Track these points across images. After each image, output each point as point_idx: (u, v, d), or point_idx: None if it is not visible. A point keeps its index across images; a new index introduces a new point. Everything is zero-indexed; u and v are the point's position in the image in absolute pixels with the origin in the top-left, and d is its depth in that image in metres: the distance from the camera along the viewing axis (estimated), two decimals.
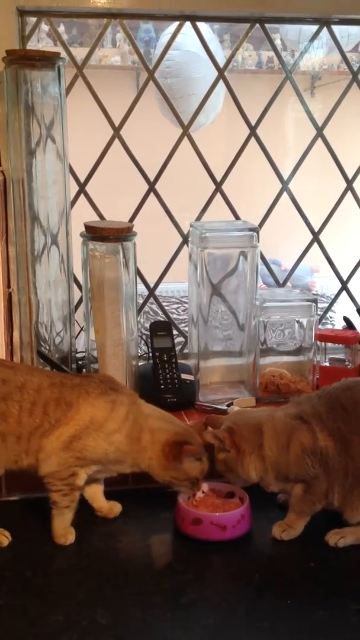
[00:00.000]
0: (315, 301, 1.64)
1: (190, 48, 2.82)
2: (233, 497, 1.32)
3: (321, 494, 1.24)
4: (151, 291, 1.84)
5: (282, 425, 1.27)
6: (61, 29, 3.92)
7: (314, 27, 1.73)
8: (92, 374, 1.33)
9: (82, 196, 1.73)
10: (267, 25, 1.70)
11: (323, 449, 1.23)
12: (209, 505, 1.30)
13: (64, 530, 1.25)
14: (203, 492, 1.32)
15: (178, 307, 3.84)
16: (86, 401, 1.24)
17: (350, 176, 1.84)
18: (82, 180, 1.73)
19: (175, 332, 1.71)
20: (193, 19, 1.67)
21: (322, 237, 1.86)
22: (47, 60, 1.46)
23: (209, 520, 1.25)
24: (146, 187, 1.76)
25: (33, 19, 1.62)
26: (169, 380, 1.57)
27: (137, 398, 1.30)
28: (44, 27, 1.65)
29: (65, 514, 1.25)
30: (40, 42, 3.81)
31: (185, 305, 3.75)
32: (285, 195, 1.83)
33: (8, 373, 1.25)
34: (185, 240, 1.77)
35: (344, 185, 1.84)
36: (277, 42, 3.67)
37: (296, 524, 1.27)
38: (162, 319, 1.94)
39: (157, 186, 1.76)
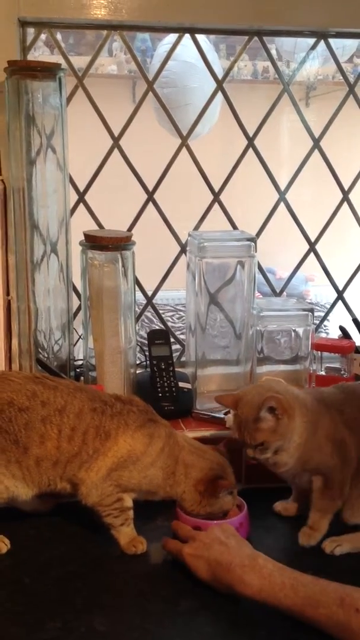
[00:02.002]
0: (311, 311, 1.65)
1: (186, 58, 2.85)
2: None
3: (340, 489, 1.24)
4: (149, 300, 1.85)
5: (313, 405, 1.26)
6: (57, 37, 3.94)
7: (310, 39, 1.76)
8: (132, 399, 1.29)
9: (81, 205, 1.75)
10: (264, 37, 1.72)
11: (343, 437, 1.24)
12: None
13: (130, 542, 1.24)
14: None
15: (173, 315, 3.85)
16: (125, 433, 1.22)
17: (346, 187, 1.86)
18: (81, 189, 1.74)
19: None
20: (192, 31, 1.69)
21: (318, 245, 1.88)
22: (48, 71, 1.48)
23: (207, 528, 1.25)
24: (144, 196, 1.78)
25: (33, 29, 1.64)
26: (166, 389, 1.58)
27: (172, 429, 1.29)
28: (41, 35, 1.66)
29: (123, 530, 1.24)
30: (37, 51, 3.84)
31: (180, 313, 3.77)
32: (281, 204, 1.85)
33: (49, 395, 1.23)
34: (183, 249, 1.79)
35: (338, 193, 1.86)
36: (273, 52, 3.71)
37: (320, 524, 1.26)
38: (157, 327, 1.95)
39: (156, 195, 1.78)
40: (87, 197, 1.75)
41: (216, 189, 1.80)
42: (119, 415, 1.24)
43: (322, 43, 1.75)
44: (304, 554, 1.26)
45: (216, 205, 1.82)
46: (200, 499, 1.25)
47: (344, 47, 3.42)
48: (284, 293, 2.01)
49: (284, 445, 1.23)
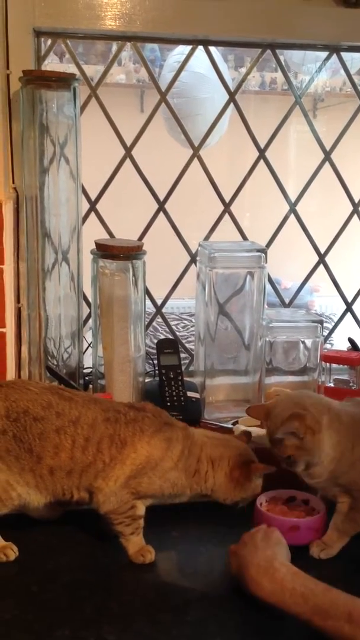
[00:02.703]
0: (321, 322, 1.66)
1: (197, 69, 2.86)
2: (295, 501, 1.36)
3: None
4: (158, 309, 1.86)
5: (349, 419, 1.24)
6: (68, 46, 3.96)
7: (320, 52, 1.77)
8: (145, 405, 1.30)
9: (92, 214, 1.76)
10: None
11: None
12: (278, 512, 1.33)
13: (138, 551, 1.25)
14: (266, 501, 1.36)
15: (178, 324, 3.85)
16: (142, 440, 1.22)
17: (356, 199, 1.87)
18: (92, 198, 1.75)
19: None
20: (205, 43, 1.70)
21: (326, 257, 1.89)
22: (63, 81, 1.49)
23: (305, 526, 1.29)
24: (155, 205, 1.79)
25: (48, 39, 1.65)
26: (174, 398, 1.58)
27: (189, 430, 1.29)
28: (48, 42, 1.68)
29: (132, 539, 1.25)
30: (47, 59, 3.86)
31: (185, 322, 3.77)
32: (293, 215, 1.85)
33: (64, 406, 1.23)
34: (193, 259, 1.79)
35: (346, 205, 1.87)
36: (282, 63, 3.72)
37: (336, 543, 1.27)
38: (163, 336, 1.95)
39: (167, 205, 1.79)
40: (98, 206, 1.76)
41: (228, 199, 1.81)
42: (134, 422, 1.24)
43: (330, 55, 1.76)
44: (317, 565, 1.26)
45: (226, 215, 1.82)
46: (235, 485, 1.26)
47: (352, 59, 3.42)
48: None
49: (314, 459, 1.23)
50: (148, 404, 1.31)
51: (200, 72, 2.90)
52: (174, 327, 3.80)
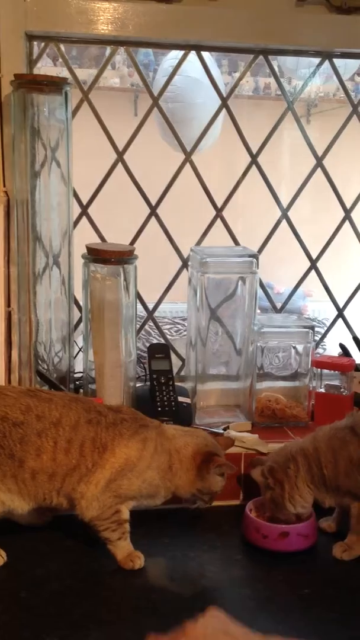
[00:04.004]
0: (312, 328, 1.66)
1: (191, 73, 2.86)
2: None
3: None
4: (150, 314, 1.85)
5: (327, 440, 1.31)
6: (60, 50, 3.96)
7: (314, 58, 1.77)
8: (120, 407, 1.33)
9: (84, 218, 1.75)
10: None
11: None
12: (268, 519, 1.34)
13: (127, 557, 1.24)
14: (255, 507, 1.38)
15: (171, 328, 3.85)
16: (120, 444, 1.23)
17: (348, 205, 1.87)
18: (84, 202, 1.75)
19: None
20: (198, 48, 1.70)
21: (318, 263, 1.89)
22: (54, 85, 1.49)
23: (295, 532, 1.30)
24: (147, 210, 1.78)
25: (41, 43, 1.65)
26: (166, 403, 1.57)
27: (162, 427, 1.30)
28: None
29: (119, 545, 1.25)
30: (40, 62, 3.86)
31: (179, 326, 3.77)
32: (285, 221, 1.85)
33: (43, 408, 1.23)
34: (185, 264, 1.79)
35: (337, 210, 1.87)
36: (275, 69, 3.73)
37: (357, 545, 1.29)
38: (156, 340, 1.95)
39: (158, 209, 1.78)
40: (90, 211, 1.76)
41: (220, 205, 1.81)
42: (113, 425, 1.25)
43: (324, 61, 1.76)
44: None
45: (218, 220, 1.82)
46: (195, 473, 1.26)
47: (345, 65, 3.44)
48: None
49: (289, 509, 1.31)
50: (123, 406, 1.34)
51: (194, 77, 2.91)
52: (167, 331, 3.81)
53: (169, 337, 3.62)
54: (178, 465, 1.26)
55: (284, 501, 1.30)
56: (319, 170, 1.83)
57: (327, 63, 1.76)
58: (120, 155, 1.74)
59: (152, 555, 1.28)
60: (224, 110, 1.79)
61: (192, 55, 1.72)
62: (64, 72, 1.65)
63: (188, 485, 1.27)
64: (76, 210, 1.72)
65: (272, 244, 1.87)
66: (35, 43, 1.64)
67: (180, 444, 1.27)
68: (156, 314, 1.87)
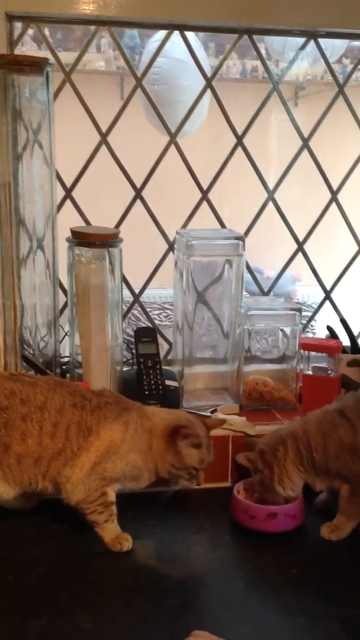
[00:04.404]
0: (299, 310, 1.65)
1: (177, 55, 2.84)
2: None
3: None
4: (136, 297, 1.84)
5: (317, 423, 1.31)
6: (45, 32, 3.92)
7: (300, 39, 1.75)
8: (102, 391, 1.32)
9: (68, 201, 1.74)
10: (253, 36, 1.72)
11: None
12: (256, 500, 1.35)
13: (115, 539, 1.24)
14: (244, 489, 1.38)
15: (160, 313, 3.84)
16: (105, 427, 1.23)
17: (335, 187, 1.86)
18: (68, 185, 1.73)
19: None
20: (181, 28, 1.68)
21: (306, 246, 1.88)
22: (35, 65, 1.46)
23: (283, 512, 1.30)
24: (132, 193, 1.77)
25: (21, 24, 1.62)
26: (153, 387, 1.57)
27: (143, 408, 1.30)
28: (29, 30, 1.65)
29: (107, 527, 1.24)
30: (25, 46, 3.81)
31: (168, 311, 3.76)
32: (270, 203, 1.84)
33: (28, 392, 1.23)
34: (171, 247, 1.78)
35: (326, 193, 1.86)
36: (262, 51, 3.70)
37: (345, 525, 1.30)
38: (143, 324, 1.94)
39: (144, 192, 1.77)
40: (74, 194, 1.74)
41: (206, 187, 1.80)
42: (98, 409, 1.25)
43: (311, 43, 1.74)
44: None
45: (205, 203, 1.81)
46: (168, 449, 1.24)
47: (333, 47, 3.41)
48: (271, 292, 2.01)
49: (279, 492, 1.31)
50: (105, 390, 1.33)
51: (180, 59, 2.88)
52: (156, 317, 3.80)
53: (158, 322, 3.61)
54: (155, 443, 1.25)
55: (273, 483, 1.31)
56: (308, 153, 1.82)
57: (313, 45, 1.74)
58: (103, 137, 1.72)
59: (141, 537, 1.28)
60: (210, 93, 1.77)
61: (179, 37, 1.70)
62: (49, 56, 1.62)
63: (162, 462, 1.25)
64: (61, 193, 1.71)
65: (261, 229, 1.87)
66: (15, 24, 1.61)
67: (157, 422, 1.27)
68: (145, 299, 1.86)
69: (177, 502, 1.30)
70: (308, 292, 4.51)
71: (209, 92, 1.77)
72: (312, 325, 2.93)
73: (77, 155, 1.75)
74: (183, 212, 1.81)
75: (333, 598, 1.14)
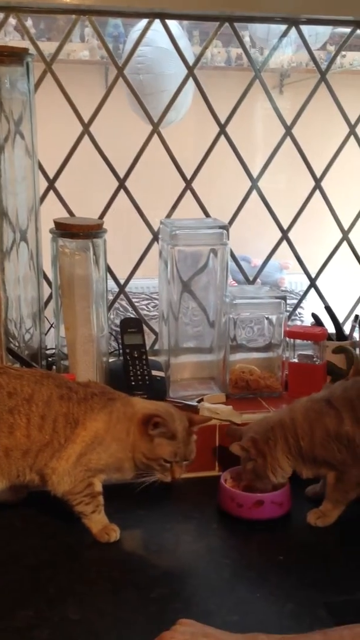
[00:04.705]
0: (284, 298, 1.66)
1: (161, 44, 2.82)
2: None
3: (353, 483, 1.29)
4: (121, 288, 1.84)
5: (304, 411, 1.32)
6: (29, 22, 3.88)
7: (283, 26, 1.75)
8: (89, 383, 1.32)
9: (51, 192, 1.73)
10: (236, 24, 1.71)
11: (349, 434, 1.27)
12: (243, 488, 1.35)
13: (102, 530, 1.24)
14: (231, 477, 1.39)
15: (148, 304, 3.84)
16: (91, 418, 1.23)
17: (318, 174, 1.86)
18: (51, 176, 1.72)
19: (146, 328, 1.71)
20: (162, 16, 1.66)
21: (291, 234, 1.88)
22: (15, 56, 1.45)
23: (269, 500, 1.31)
24: (116, 183, 1.76)
25: (2, 14, 1.61)
26: (139, 377, 1.57)
27: (128, 399, 1.29)
28: (11, 20, 1.63)
29: (94, 518, 1.24)
30: (8, 36, 3.77)
31: (155, 301, 3.76)
32: (255, 192, 1.84)
33: (15, 384, 1.23)
34: (155, 237, 1.78)
35: (312, 180, 1.86)
36: (246, 39, 3.69)
37: (331, 512, 1.31)
38: (132, 315, 1.94)
39: (128, 183, 1.76)
40: (57, 185, 1.73)
41: (186, 176, 1.79)
42: (84, 400, 1.25)
43: (295, 30, 1.74)
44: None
45: (189, 193, 1.80)
46: (142, 436, 1.23)
47: (317, 34, 3.41)
48: (258, 280, 2.01)
49: (271, 479, 1.32)
50: (91, 381, 1.34)
51: (165, 48, 2.86)
52: (144, 307, 3.80)
53: (146, 312, 3.61)
54: (132, 430, 1.24)
55: (267, 472, 1.31)
56: (294, 142, 1.81)
57: (297, 32, 1.74)
58: (86, 127, 1.71)
59: (128, 527, 1.29)
60: (195, 82, 1.77)
61: (162, 25, 1.69)
62: (32, 46, 1.61)
63: (137, 450, 1.23)
64: (44, 185, 1.70)
65: (248, 217, 1.86)
66: None
67: (137, 410, 1.26)
68: (133, 289, 1.86)
69: (151, 492, 1.27)
70: (296, 280, 4.52)
71: (192, 80, 1.76)
72: (300, 313, 2.95)
73: (61, 145, 1.74)
74: (168, 201, 1.80)
75: (320, 584, 1.15)
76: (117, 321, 1.70)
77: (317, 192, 1.87)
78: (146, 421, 1.23)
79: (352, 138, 1.86)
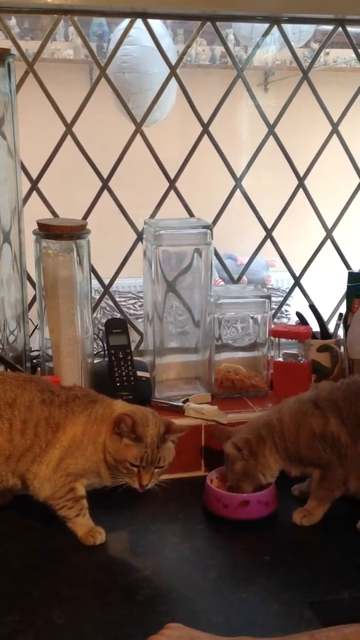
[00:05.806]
0: (269, 297, 1.65)
1: (146, 43, 2.81)
2: None
3: (338, 481, 1.29)
4: (106, 288, 1.83)
5: (291, 412, 1.33)
6: (12, 22, 3.87)
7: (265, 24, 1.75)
8: (73, 387, 1.31)
9: (34, 193, 1.72)
10: (219, 22, 1.71)
11: (334, 434, 1.28)
12: (228, 489, 1.35)
13: (88, 533, 1.24)
14: (217, 477, 1.39)
15: (135, 303, 3.84)
16: (71, 421, 1.22)
17: (302, 173, 1.86)
18: (34, 176, 1.71)
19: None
20: (144, 16, 1.66)
21: (276, 232, 1.88)
22: None
23: (255, 500, 1.31)
24: (99, 183, 1.75)
25: None
26: (124, 378, 1.56)
27: (109, 401, 1.28)
28: None
29: (78, 522, 1.24)
30: None
31: (142, 300, 3.76)
32: (239, 190, 1.84)
33: None
34: (140, 237, 1.77)
35: (297, 181, 1.86)
36: (230, 37, 3.69)
37: (316, 510, 1.31)
38: (118, 316, 1.94)
39: (111, 183, 1.75)
40: (40, 185, 1.72)
41: (170, 176, 1.79)
42: (66, 404, 1.24)
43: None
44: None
45: (173, 193, 1.80)
46: (108, 439, 1.21)
47: (300, 32, 3.41)
48: (244, 278, 2.01)
49: (260, 479, 1.33)
50: (76, 385, 1.33)
51: (150, 47, 2.85)
52: (131, 306, 3.79)
53: (133, 311, 3.59)
54: (103, 429, 1.22)
55: (257, 472, 1.32)
56: (277, 141, 1.81)
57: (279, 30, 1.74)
58: (68, 127, 1.70)
59: (114, 529, 1.28)
60: (177, 82, 1.76)
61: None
62: (13, 46, 1.59)
63: (105, 451, 1.21)
64: (26, 186, 1.69)
65: (234, 216, 1.86)
66: None
67: (115, 412, 1.23)
68: (120, 289, 1.85)
69: (137, 493, 1.24)
70: (282, 278, 4.53)
71: (177, 81, 1.76)
72: (286, 311, 2.95)
73: (44, 146, 1.73)
74: (152, 201, 1.80)
75: (305, 584, 1.15)
76: (104, 320, 1.70)
77: (301, 191, 1.87)
78: (115, 420, 1.21)
79: (334, 136, 1.85)
